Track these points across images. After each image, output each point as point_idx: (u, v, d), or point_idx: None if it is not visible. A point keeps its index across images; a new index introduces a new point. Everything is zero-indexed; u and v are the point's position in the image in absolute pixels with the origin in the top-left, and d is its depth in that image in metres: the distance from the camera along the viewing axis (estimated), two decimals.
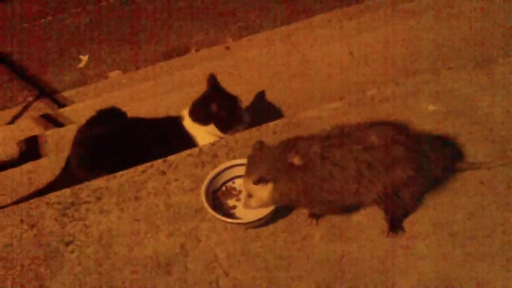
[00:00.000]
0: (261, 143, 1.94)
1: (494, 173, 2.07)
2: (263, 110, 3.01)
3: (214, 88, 2.62)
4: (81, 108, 3.41)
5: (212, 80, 2.63)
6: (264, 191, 1.88)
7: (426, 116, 2.27)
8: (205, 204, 2.00)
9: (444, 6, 3.49)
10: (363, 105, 2.35)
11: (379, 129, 1.86)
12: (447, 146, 2.14)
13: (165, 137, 2.57)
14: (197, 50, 4.05)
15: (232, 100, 2.62)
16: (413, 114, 2.28)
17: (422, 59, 3.05)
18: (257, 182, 1.86)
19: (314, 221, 2.00)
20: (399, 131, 1.87)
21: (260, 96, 3.10)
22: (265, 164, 1.87)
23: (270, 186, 1.87)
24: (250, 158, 1.93)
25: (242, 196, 2.03)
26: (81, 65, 4.05)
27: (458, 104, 2.31)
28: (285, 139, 1.93)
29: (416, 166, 1.84)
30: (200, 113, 2.58)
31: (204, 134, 2.58)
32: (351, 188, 1.84)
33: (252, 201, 1.93)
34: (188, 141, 2.58)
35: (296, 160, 1.84)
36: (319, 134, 1.90)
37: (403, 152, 1.83)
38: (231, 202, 2.08)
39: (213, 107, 2.54)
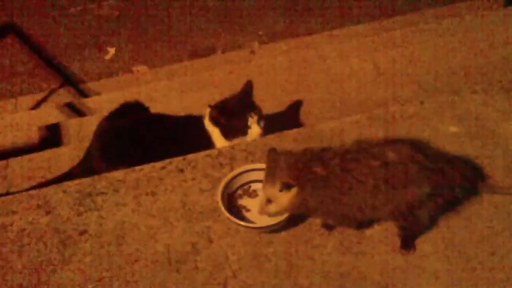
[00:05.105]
0: (275, 150, 1.93)
1: (510, 199, 2.06)
2: (285, 117, 3.01)
3: (240, 94, 2.62)
4: (104, 100, 3.44)
5: (245, 87, 2.62)
6: (286, 197, 1.88)
7: (447, 137, 2.26)
8: (220, 205, 2.01)
9: (471, 29, 3.49)
10: (385, 120, 2.35)
11: (397, 146, 1.86)
12: (469, 166, 2.12)
13: (185, 135, 2.58)
14: (222, 52, 4.07)
15: (242, 110, 2.57)
16: (434, 133, 2.28)
17: (447, 79, 3.05)
18: (283, 187, 1.86)
19: (327, 232, 2.01)
20: (416, 150, 1.87)
21: (285, 104, 3.10)
22: (290, 171, 1.86)
23: (293, 192, 1.86)
24: (271, 164, 1.91)
25: (259, 202, 1.97)
26: (108, 57, 4.09)
27: (479, 127, 2.30)
28: (309, 149, 1.93)
29: (431, 185, 1.84)
30: (211, 115, 2.59)
31: (218, 136, 2.60)
32: (368, 203, 1.84)
33: (271, 207, 1.91)
34: (207, 140, 2.59)
35: (320, 170, 1.85)
36: (338, 147, 1.91)
37: (418, 171, 1.83)
38: (246, 205, 2.09)
39: (213, 112, 2.57)
